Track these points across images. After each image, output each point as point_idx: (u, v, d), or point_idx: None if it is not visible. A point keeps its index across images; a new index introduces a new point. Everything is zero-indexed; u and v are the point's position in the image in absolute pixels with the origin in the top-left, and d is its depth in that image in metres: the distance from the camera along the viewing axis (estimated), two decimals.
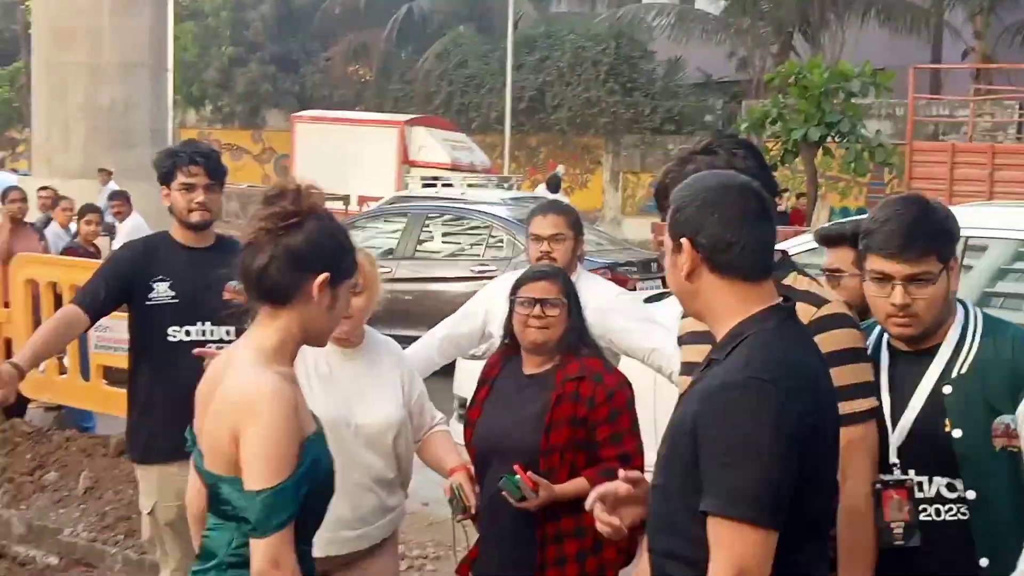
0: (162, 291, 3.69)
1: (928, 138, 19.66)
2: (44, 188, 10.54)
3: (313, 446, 2.09)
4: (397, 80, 30.01)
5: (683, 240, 1.90)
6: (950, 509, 2.12)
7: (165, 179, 3.72)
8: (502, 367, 3.27)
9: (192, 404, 2.45)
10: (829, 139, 16.72)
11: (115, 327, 5.83)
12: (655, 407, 3.58)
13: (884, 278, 2.13)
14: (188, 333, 3.69)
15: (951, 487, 2.12)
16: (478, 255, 11.27)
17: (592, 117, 26.09)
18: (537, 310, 3.08)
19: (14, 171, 23.68)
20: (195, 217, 3.70)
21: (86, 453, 6.25)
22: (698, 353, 2.18)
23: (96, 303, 3.73)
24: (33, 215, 9.64)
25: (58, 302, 6.48)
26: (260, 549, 1.98)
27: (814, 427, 1.84)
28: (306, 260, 2.06)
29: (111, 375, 6.60)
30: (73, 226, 9.54)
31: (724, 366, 1.86)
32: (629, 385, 3.21)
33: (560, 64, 26.43)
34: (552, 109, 26.52)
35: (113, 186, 12.36)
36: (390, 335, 3.56)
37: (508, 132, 24.94)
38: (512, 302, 3.14)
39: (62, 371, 6.87)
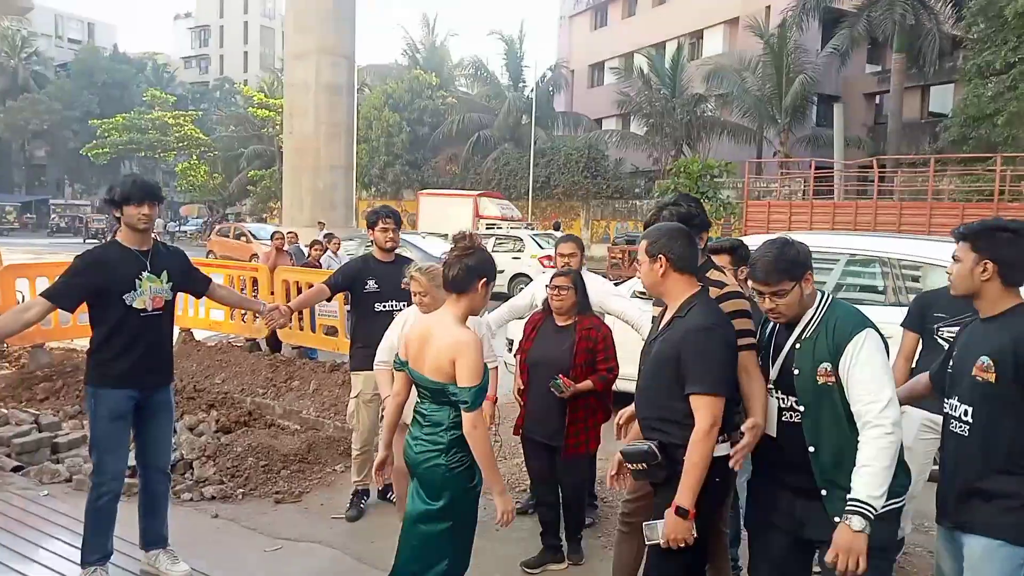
0: (371, 285, 4.22)
1: (755, 199, 20.78)
2: (284, 232, 10.06)
3: (485, 370, 2.54)
4: (472, 174, 33.03)
5: (660, 256, 2.41)
6: (793, 415, 2.27)
7: (371, 225, 4.28)
8: (542, 322, 3.80)
9: (377, 341, 3.69)
10: (703, 200, 19.67)
11: (331, 305, 6.72)
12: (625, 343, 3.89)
13: (759, 292, 2.31)
14: (384, 307, 4.18)
15: (796, 402, 2.25)
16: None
17: (575, 191, 29.92)
18: (557, 292, 3.66)
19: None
20: (388, 245, 4.24)
21: (313, 370, 6.72)
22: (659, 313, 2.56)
23: (336, 287, 4.30)
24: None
25: (298, 291, 7.04)
26: (469, 418, 2.47)
27: (736, 348, 2.38)
28: (476, 271, 2.56)
29: (327, 330, 7.32)
30: (305, 250, 10.06)
31: (687, 320, 2.36)
32: (611, 331, 3.78)
33: (558, 163, 30.31)
34: (553, 187, 30.35)
35: (325, 231, 12.51)
36: None
37: (531, 200, 29.11)
38: (548, 288, 3.68)
39: (300, 328, 7.44)
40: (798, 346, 2.29)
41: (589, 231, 29.86)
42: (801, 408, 2.27)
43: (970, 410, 2.21)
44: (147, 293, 3.33)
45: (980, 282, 2.22)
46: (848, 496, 2.12)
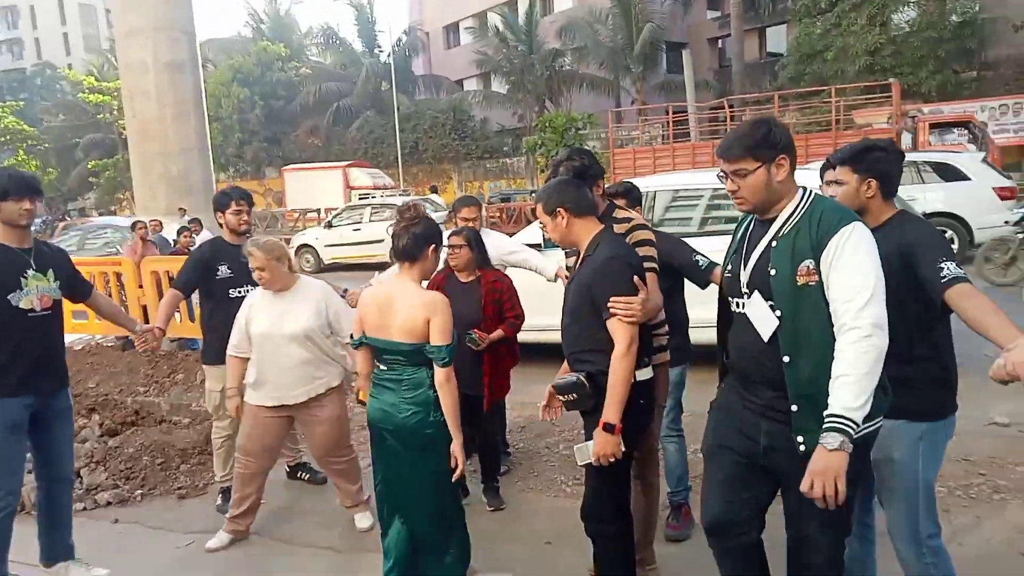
0: (224, 271, 3.96)
1: (619, 148, 20.70)
2: (146, 221, 10.16)
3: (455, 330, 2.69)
4: (336, 145, 32.46)
5: (558, 210, 2.56)
6: None
7: (222, 208, 4.00)
8: (446, 281, 3.81)
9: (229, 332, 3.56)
10: None
11: None
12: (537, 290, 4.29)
13: (723, 174, 2.12)
14: (240, 292, 3.91)
15: (772, 307, 2.03)
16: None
17: (445, 154, 29.86)
18: (453, 251, 3.76)
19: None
20: (243, 228, 3.99)
21: (198, 361, 5.93)
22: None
23: (189, 284, 4.05)
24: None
25: (170, 280, 6.68)
26: (443, 372, 2.64)
27: (642, 271, 2.55)
28: (424, 238, 2.70)
29: None
30: (171, 240, 10.24)
31: (596, 256, 2.51)
32: (512, 281, 3.93)
33: (424, 127, 30.01)
34: (422, 152, 30.11)
35: (187, 217, 11.97)
36: None
37: (400, 166, 28.79)
38: (445, 247, 3.60)
39: (179, 319, 6.86)
40: (775, 244, 2.08)
41: (464, 193, 29.62)
42: (777, 313, 2.04)
43: None
44: (34, 292, 3.14)
45: (866, 199, 2.33)
46: (824, 413, 1.91)
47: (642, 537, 2.99)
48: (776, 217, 2.11)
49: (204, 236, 10.39)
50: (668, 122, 18.57)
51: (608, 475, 2.53)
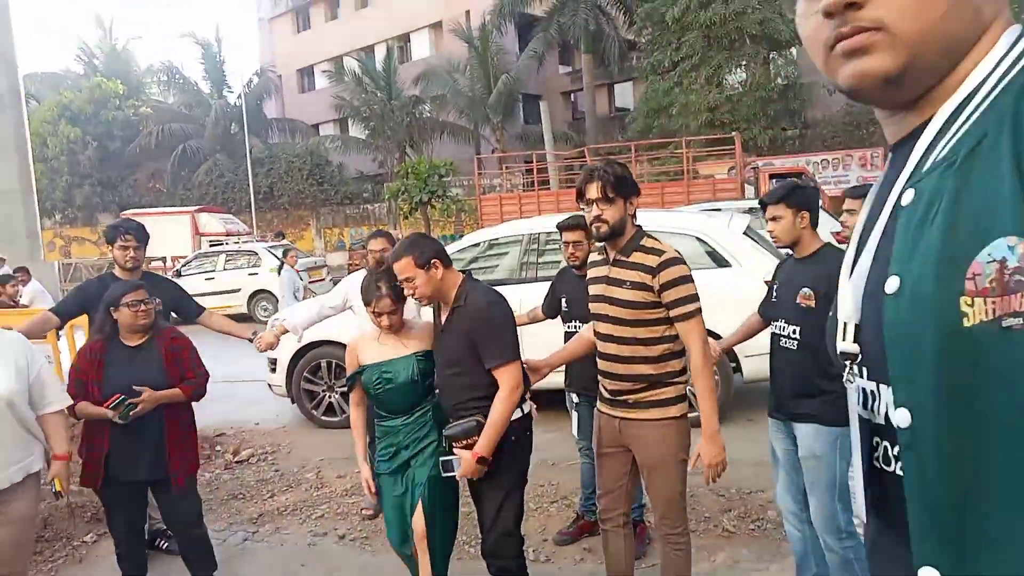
0: None
1: (484, 193, 21.14)
2: None
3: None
4: (181, 189, 30.33)
5: (434, 261, 2.63)
6: None
7: (110, 241, 3.89)
8: (105, 347, 3.18)
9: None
10: (433, 200, 21.15)
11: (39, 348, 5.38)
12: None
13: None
14: None
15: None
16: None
17: (302, 200, 28.88)
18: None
19: None
20: (129, 264, 3.87)
21: None
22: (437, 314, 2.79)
23: (67, 313, 3.93)
24: None
25: None
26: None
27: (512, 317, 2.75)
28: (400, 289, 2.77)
29: None
30: None
31: (468, 306, 2.64)
32: (191, 341, 3.39)
33: (279, 171, 28.94)
34: (278, 197, 29.02)
35: (7, 268, 10.68)
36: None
37: (254, 211, 27.25)
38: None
39: None
40: None
41: (323, 239, 29.19)
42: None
43: (797, 329, 2.68)
44: None
45: (800, 230, 2.68)
46: None
47: None
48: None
49: (33, 287, 10.04)
50: (533, 169, 18.93)
51: (511, 512, 2.76)
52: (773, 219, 2.72)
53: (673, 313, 2.56)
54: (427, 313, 3.17)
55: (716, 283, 5.47)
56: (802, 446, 2.71)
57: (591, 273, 2.78)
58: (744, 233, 6.06)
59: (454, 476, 2.71)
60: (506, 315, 2.69)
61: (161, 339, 3.26)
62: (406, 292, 2.74)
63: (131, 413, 3.04)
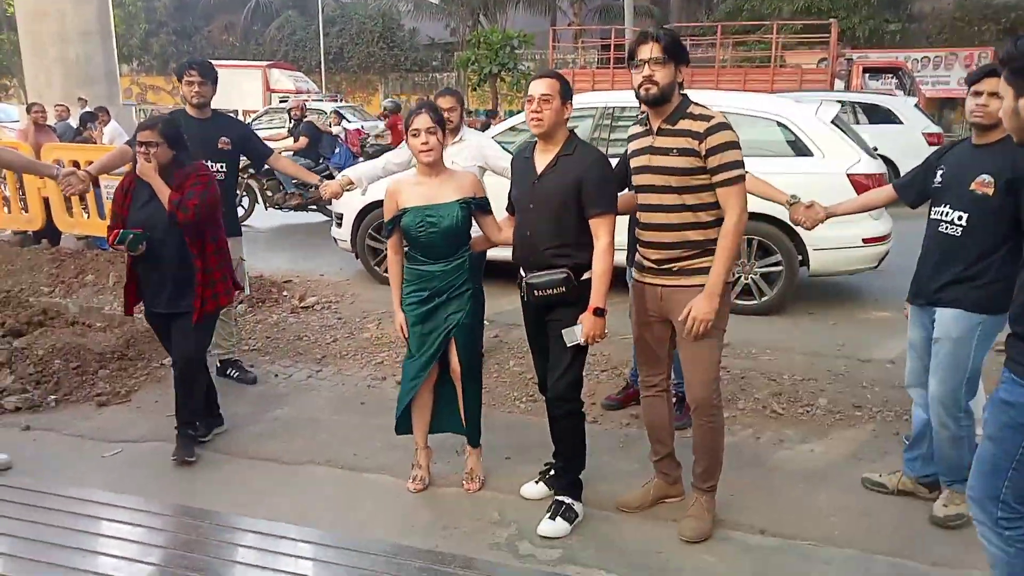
0: None
1: (557, 68, 17.48)
2: (44, 105, 9.06)
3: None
4: (253, 44, 30.21)
5: (569, 101, 2.71)
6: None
7: (179, 76, 3.89)
8: (134, 182, 3.35)
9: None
10: (503, 72, 21.01)
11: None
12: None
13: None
14: None
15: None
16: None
17: (371, 63, 28.58)
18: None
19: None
20: (195, 100, 3.86)
21: (110, 261, 5.97)
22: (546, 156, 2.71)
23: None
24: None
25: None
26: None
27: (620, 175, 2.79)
28: None
29: None
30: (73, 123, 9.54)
31: (579, 155, 2.67)
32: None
33: (351, 32, 28.63)
34: (347, 59, 28.70)
35: (88, 108, 11.14)
36: None
37: (323, 72, 27.31)
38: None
39: (86, 214, 6.62)
40: None
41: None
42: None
43: (965, 216, 2.64)
44: None
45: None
46: None
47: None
48: None
49: (113, 127, 10.09)
50: (611, 45, 18.02)
51: (583, 359, 2.85)
52: (993, 94, 2.50)
53: (716, 179, 2.53)
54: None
55: (797, 171, 5.24)
56: (939, 328, 2.73)
57: (632, 146, 2.74)
58: (832, 122, 5.71)
59: (578, 342, 2.72)
60: (612, 170, 2.73)
61: (180, 174, 3.26)
62: (539, 108, 2.66)
63: (139, 246, 3.17)
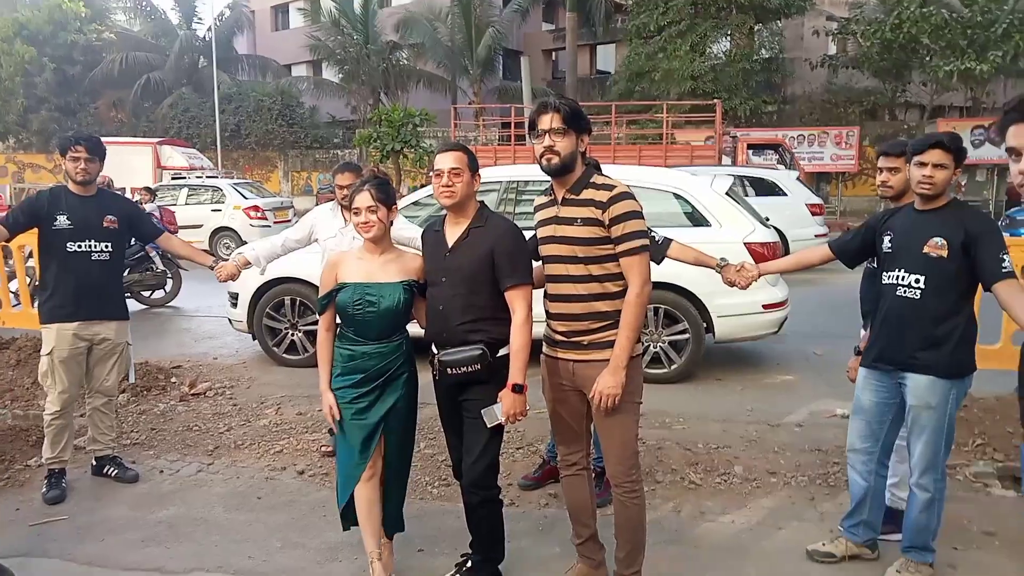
0: (62, 221, 3.63)
1: None
2: None
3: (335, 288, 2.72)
4: (144, 121, 29.31)
5: (474, 174, 2.70)
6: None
7: (62, 151, 3.67)
8: None
9: (71, 287, 3.59)
10: (405, 149, 20.41)
11: None
12: None
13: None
14: (79, 247, 3.66)
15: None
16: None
17: (270, 140, 28.13)
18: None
19: None
20: (80, 178, 3.66)
21: None
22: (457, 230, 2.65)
23: (16, 224, 3.63)
24: None
25: None
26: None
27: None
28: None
29: None
30: None
31: (490, 225, 2.65)
32: None
33: (248, 109, 28.17)
34: (245, 136, 28.28)
35: None
36: None
37: (219, 149, 26.24)
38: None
39: None
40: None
41: (290, 183, 28.66)
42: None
43: (922, 278, 2.69)
44: None
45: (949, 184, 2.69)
46: None
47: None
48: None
49: None
50: (511, 123, 18.58)
51: (499, 440, 2.74)
52: (939, 166, 2.66)
53: (619, 248, 2.51)
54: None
55: (696, 241, 5.30)
56: (915, 396, 2.73)
57: (538, 216, 2.70)
58: (726, 194, 5.97)
59: (500, 423, 2.62)
60: (525, 240, 2.68)
61: None
62: (449, 181, 2.60)
63: None
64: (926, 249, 2.67)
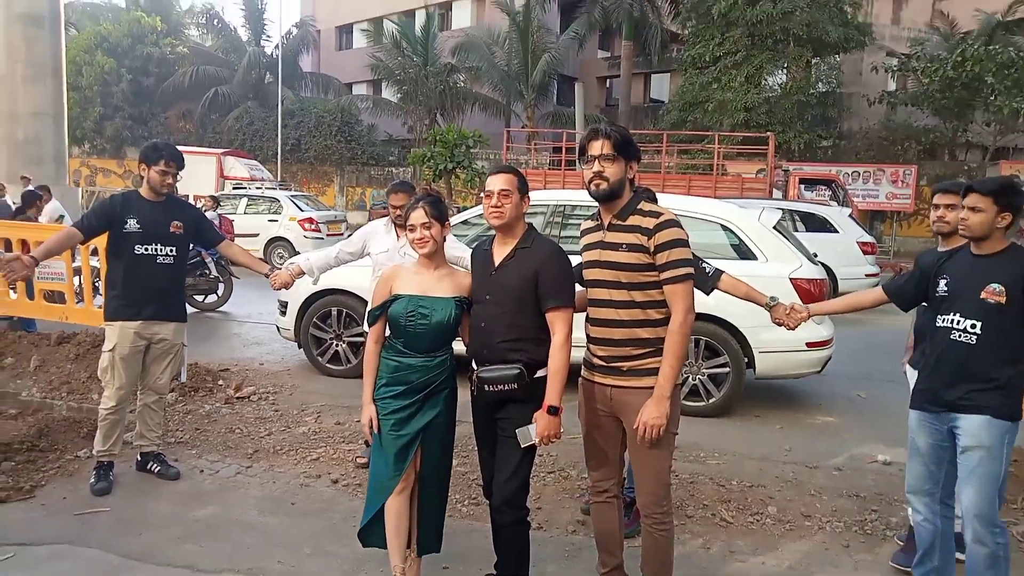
0: (132, 225, 3.74)
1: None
2: None
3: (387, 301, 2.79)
4: (210, 132, 30.42)
5: (526, 195, 2.70)
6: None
7: (149, 162, 3.76)
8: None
9: (136, 287, 3.74)
10: (458, 169, 21.14)
11: (55, 265, 5.78)
12: None
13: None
14: (146, 249, 3.77)
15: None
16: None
17: (328, 155, 28.87)
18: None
19: None
20: (165, 191, 3.82)
21: (34, 344, 5.86)
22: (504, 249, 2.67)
23: (91, 229, 3.79)
24: None
25: (8, 249, 5.97)
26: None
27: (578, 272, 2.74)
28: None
29: (49, 295, 6.38)
30: (11, 204, 9.18)
31: (537, 247, 2.64)
32: None
33: (309, 125, 28.95)
34: (305, 150, 29.06)
35: (31, 185, 10.75)
36: None
37: (280, 162, 27.25)
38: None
39: (12, 292, 6.36)
40: None
41: (344, 197, 29.17)
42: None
43: (978, 324, 2.66)
44: None
45: (996, 228, 2.66)
46: None
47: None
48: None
49: (53, 207, 10.03)
50: (563, 148, 18.70)
51: (531, 461, 2.74)
52: (972, 209, 2.69)
53: (664, 276, 2.51)
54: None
55: (741, 274, 5.24)
56: (968, 436, 2.69)
57: (584, 240, 2.73)
58: (774, 228, 5.88)
59: (533, 443, 2.63)
60: (569, 263, 2.70)
61: None
62: (499, 202, 2.65)
63: None
64: (983, 295, 2.64)
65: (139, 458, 4.17)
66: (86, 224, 3.82)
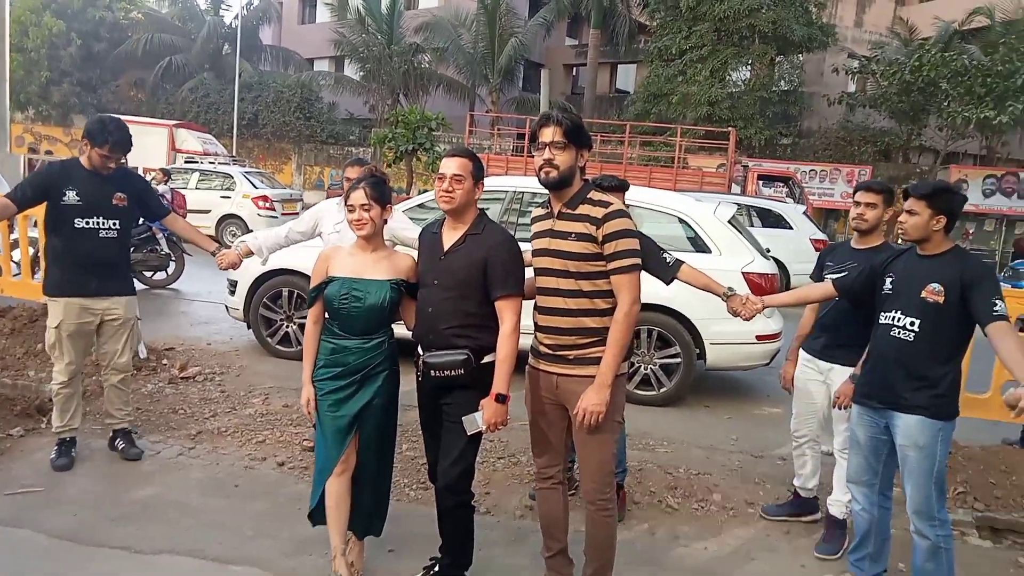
0: (71, 197, 3.59)
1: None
2: None
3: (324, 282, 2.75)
4: (163, 103, 29.46)
5: (476, 182, 2.67)
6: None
7: (95, 141, 3.56)
8: None
9: (77, 262, 3.63)
10: (419, 152, 20.47)
11: None
12: None
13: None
14: (87, 223, 3.64)
15: None
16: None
17: (286, 132, 28.25)
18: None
19: None
20: (105, 173, 3.64)
21: None
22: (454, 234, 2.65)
23: (24, 200, 3.61)
24: None
25: None
26: None
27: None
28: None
29: None
30: None
31: (487, 234, 2.63)
32: None
33: (267, 100, 28.32)
34: (262, 126, 28.45)
35: None
36: None
37: (235, 137, 26.53)
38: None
39: None
40: None
41: (302, 176, 28.49)
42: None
43: (917, 322, 2.75)
44: None
45: (932, 231, 2.75)
46: None
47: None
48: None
49: None
50: (526, 134, 18.58)
51: (476, 447, 2.75)
52: (909, 212, 2.79)
53: (611, 266, 2.52)
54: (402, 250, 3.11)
55: (694, 267, 5.38)
56: (903, 436, 2.78)
57: (534, 228, 2.73)
58: (729, 222, 5.97)
59: (480, 431, 2.64)
60: (519, 252, 2.69)
61: None
62: (450, 187, 2.62)
63: None
64: (924, 294, 2.73)
65: (111, 435, 4.13)
66: (19, 194, 3.65)
